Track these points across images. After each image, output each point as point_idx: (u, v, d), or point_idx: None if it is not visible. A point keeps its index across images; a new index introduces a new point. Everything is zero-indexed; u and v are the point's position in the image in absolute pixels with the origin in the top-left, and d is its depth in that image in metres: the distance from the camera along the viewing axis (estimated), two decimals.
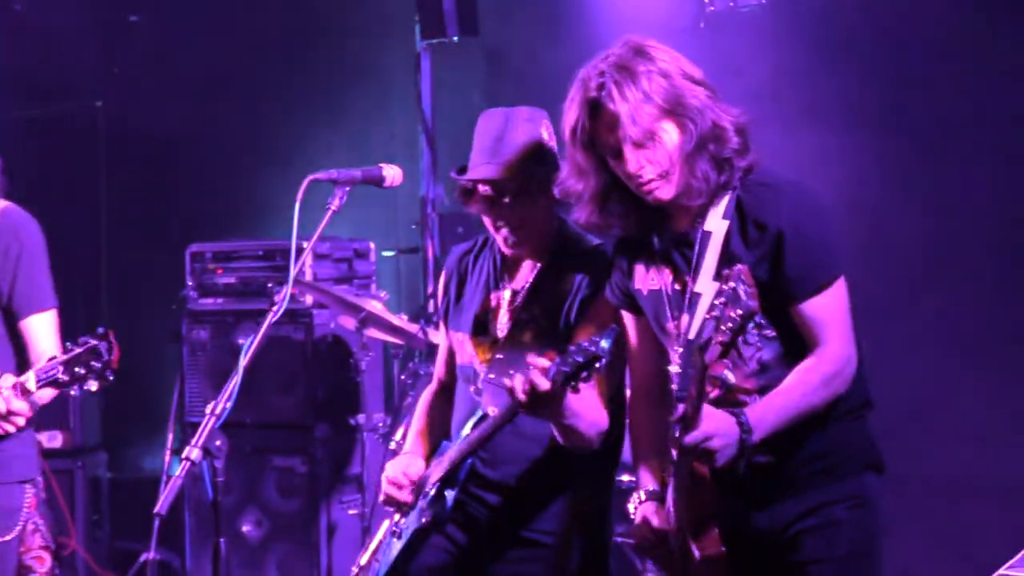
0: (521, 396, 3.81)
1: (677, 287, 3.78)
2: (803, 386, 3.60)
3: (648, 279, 3.87)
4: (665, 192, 3.69)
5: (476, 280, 4.45)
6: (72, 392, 4.56)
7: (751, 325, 3.34)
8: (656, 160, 3.66)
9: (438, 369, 4.68)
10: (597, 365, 3.70)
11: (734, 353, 3.65)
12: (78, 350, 4.39)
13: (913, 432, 6.19)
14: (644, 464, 3.95)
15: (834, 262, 3.66)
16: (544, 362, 3.77)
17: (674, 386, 3.66)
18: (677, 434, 3.49)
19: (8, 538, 4.63)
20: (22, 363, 4.66)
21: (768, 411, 3.57)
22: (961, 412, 6.51)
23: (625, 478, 5.49)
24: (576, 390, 3.77)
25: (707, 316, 3.42)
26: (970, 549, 6.21)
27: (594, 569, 4.34)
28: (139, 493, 7.87)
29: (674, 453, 3.65)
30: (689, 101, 3.64)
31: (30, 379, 4.42)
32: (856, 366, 3.67)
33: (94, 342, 4.41)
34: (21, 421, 4.49)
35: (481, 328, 4.37)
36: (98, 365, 4.37)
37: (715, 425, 3.47)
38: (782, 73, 6.77)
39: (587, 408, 4.03)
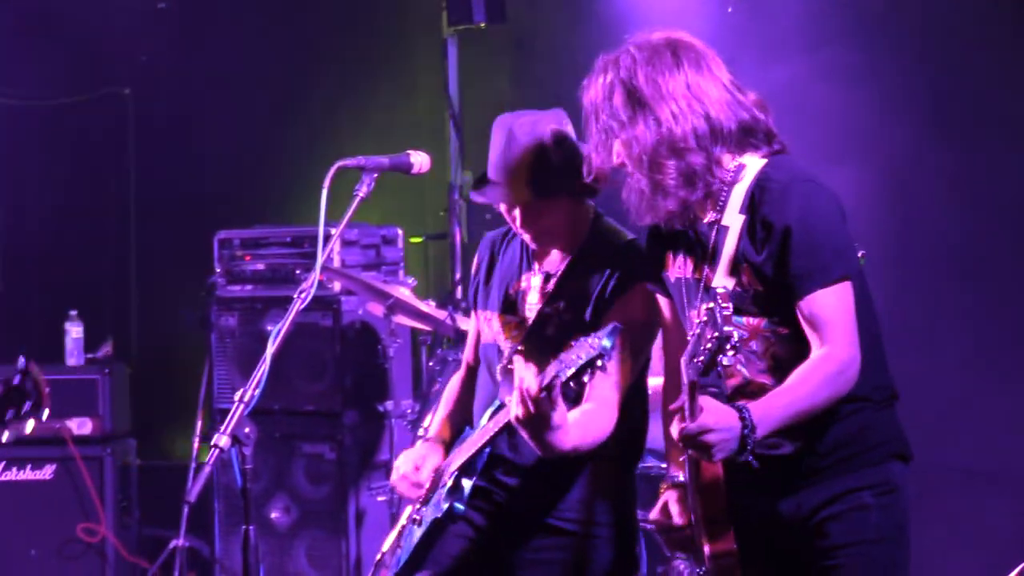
0: (518, 412, 3.84)
1: (696, 277, 3.79)
2: (807, 385, 3.60)
3: (675, 267, 3.89)
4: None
5: (507, 263, 4.46)
6: (3, 438, 3.91)
7: (728, 347, 3.37)
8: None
9: (467, 354, 4.69)
10: (599, 363, 3.70)
11: (746, 350, 3.68)
12: None
13: (935, 422, 6.15)
14: (675, 452, 3.95)
15: (839, 262, 3.64)
16: (548, 373, 3.79)
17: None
18: (678, 425, 3.51)
19: None
20: None
21: (772, 408, 3.57)
22: (985, 403, 6.48)
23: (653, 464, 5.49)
24: (580, 386, 3.78)
25: (690, 334, 3.46)
26: (991, 540, 6.20)
27: (623, 557, 4.34)
28: (168, 480, 7.90)
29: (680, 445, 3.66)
30: (639, 136, 3.69)
31: None
32: (859, 367, 3.64)
33: (13, 382, 3.85)
34: None
35: (510, 307, 4.38)
36: (28, 404, 3.85)
37: (715, 419, 3.48)
38: (812, 57, 6.73)
39: (585, 429, 4.05)
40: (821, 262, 3.61)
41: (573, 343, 3.75)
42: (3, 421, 3.83)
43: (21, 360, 3.88)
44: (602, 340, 3.69)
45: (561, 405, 3.84)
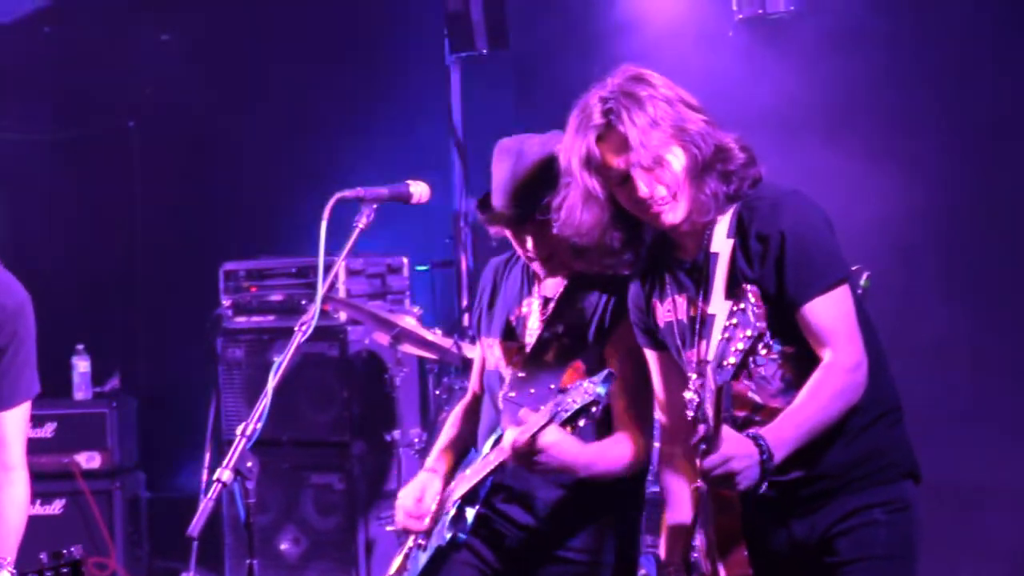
0: (509, 452, 3.93)
1: (691, 314, 3.78)
2: (817, 401, 3.59)
3: (664, 312, 3.87)
4: (674, 215, 3.71)
5: (509, 289, 4.46)
6: None
7: (760, 346, 3.34)
8: (664, 182, 3.67)
9: (473, 381, 4.69)
10: (593, 410, 3.76)
11: (757, 374, 3.65)
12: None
13: (934, 439, 6.13)
14: (673, 518, 3.94)
15: (835, 268, 3.65)
16: (539, 419, 3.84)
17: (689, 412, 3.64)
18: (699, 458, 3.48)
19: None
20: None
21: (786, 430, 3.55)
22: (981, 419, 6.47)
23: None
24: (575, 428, 3.82)
25: (720, 337, 3.42)
26: (991, 556, 6.18)
27: None
28: (178, 512, 7.83)
29: (700, 481, 3.62)
30: (690, 127, 3.65)
31: None
32: (867, 371, 3.63)
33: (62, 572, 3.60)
34: None
35: (510, 333, 4.38)
36: None
37: (735, 448, 3.45)
38: (811, 80, 6.74)
39: (600, 454, 4.08)
40: (817, 269, 3.62)
41: (570, 387, 3.80)
42: None
43: (77, 552, 3.64)
44: (597, 387, 3.75)
45: (565, 445, 3.90)
